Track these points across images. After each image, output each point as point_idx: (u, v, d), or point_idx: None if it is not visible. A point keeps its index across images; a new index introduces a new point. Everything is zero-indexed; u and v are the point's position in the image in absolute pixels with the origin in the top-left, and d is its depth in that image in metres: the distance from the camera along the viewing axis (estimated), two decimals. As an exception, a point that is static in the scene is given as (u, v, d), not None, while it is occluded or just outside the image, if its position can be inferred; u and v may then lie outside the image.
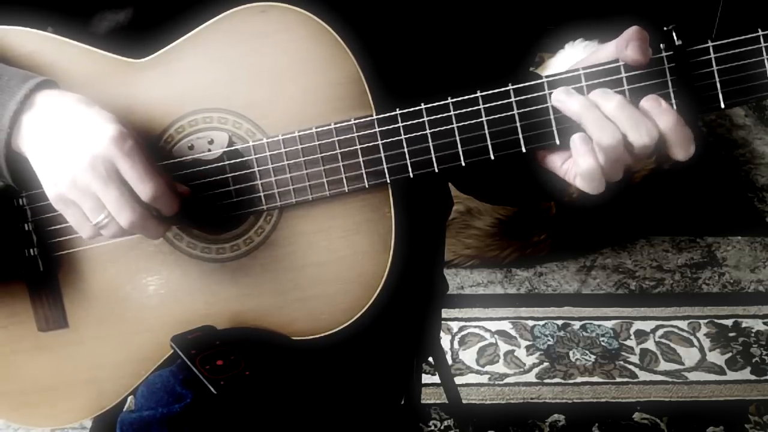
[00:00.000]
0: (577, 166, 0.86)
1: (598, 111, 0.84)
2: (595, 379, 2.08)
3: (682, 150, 0.84)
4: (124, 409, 1.04)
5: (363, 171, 0.92)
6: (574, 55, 2.62)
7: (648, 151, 0.84)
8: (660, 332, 2.23)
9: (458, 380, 1.93)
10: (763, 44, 0.83)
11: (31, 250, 0.99)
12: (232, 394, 0.89)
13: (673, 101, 0.85)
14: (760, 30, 0.83)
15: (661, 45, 0.85)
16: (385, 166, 0.92)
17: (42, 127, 0.88)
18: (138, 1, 0.99)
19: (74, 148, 0.86)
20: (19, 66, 0.94)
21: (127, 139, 0.86)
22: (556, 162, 0.90)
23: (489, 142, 0.89)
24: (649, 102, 0.84)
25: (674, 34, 0.84)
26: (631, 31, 0.84)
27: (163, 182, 0.88)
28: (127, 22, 0.99)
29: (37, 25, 0.97)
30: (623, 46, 0.84)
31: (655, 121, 0.84)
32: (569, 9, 3.10)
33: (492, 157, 0.90)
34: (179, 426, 0.91)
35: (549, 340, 2.20)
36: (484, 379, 2.07)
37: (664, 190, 2.64)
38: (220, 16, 0.92)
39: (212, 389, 0.89)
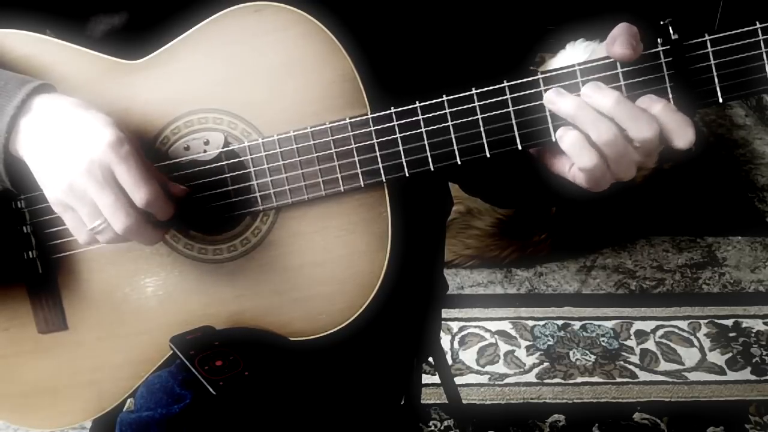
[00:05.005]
0: (578, 165, 0.85)
1: (591, 109, 0.84)
2: (595, 379, 2.07)
3: (681, 136, 0.83)
4: (124, 410, 1.04)
5: (358, 170, 0.92)
6: (574, 54, 2.62)
7: (653, 144, 0.83)
8: (660, 332, 2.23)
9: (458, 380, 1.92)
10: (761, 37, 0.83)
11: (30, 253, 0.99)
12: (231, 395, 0.89)
13: (671, 95, 0.85)
14: (758, 23, 0.83)
15: (658, 39, 0.84)
16: (380, 164, 0.91)
17: (40, 131, 0.88)
18: (133, 4, 0.99)
19: (72, 152, 0.86)
20: (17, 68, 0.94)
21: (123, 143, 0.86)
22: (565, 165, 0.89)
23: (485, 140, 0.89)
24: (642, 100, 0.84)
25: (671, 28, 0.83)
26: (618, 28, 0.84)
27: (158, 187, 0.88)
28: (122, 25, 0.99)
29: (34, 28, 0.97)
30: (611, 44, 0.84)
31: (651, 114, 0.83)
32: (570, 9, 3.09)
33: (488, 155, 0.89)
34: (178, 427, 0.91)
35: (549, 340, 2.19)
36: (484, 379, 2.06)
37: (664, 190, 2.63)
38: (214, 16, 0.92)
39: (211, 390, 0.89)
